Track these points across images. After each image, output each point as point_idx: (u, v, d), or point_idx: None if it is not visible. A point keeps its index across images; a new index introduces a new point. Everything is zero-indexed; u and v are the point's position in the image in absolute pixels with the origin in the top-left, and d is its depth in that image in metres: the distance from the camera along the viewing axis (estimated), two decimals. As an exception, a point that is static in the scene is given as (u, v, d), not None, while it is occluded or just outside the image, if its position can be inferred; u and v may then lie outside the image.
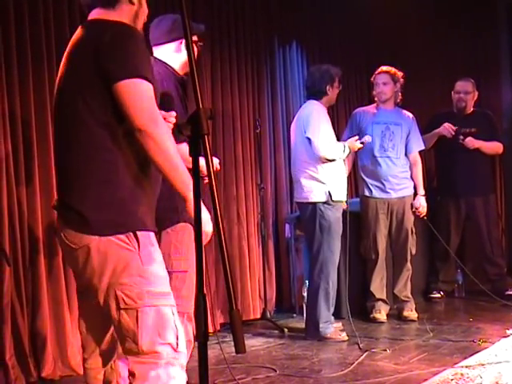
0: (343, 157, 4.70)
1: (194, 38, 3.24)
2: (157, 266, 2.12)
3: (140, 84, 2.04)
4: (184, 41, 3.15)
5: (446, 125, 5.78)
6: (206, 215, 2.26)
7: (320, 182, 4.60)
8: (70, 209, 2.11)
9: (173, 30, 3.21)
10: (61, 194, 2.19)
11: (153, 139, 2.03)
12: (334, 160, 4.61)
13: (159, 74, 3.17)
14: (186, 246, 3.05)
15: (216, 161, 3.29)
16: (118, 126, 2.07)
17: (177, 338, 2.09)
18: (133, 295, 2.06)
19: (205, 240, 2.25)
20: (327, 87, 4.67)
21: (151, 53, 3.29)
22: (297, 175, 4.76)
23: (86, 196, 2.08)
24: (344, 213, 4.73)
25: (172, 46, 3.21)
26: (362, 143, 4.76)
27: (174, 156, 2.08)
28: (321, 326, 4.58)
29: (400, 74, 5.22)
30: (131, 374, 2.09)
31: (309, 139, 4.59)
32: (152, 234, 2.17)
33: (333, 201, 4.58)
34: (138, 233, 2.09)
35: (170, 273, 3.02)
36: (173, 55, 3.21)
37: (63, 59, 2.21)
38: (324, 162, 4.60)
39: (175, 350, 2.09)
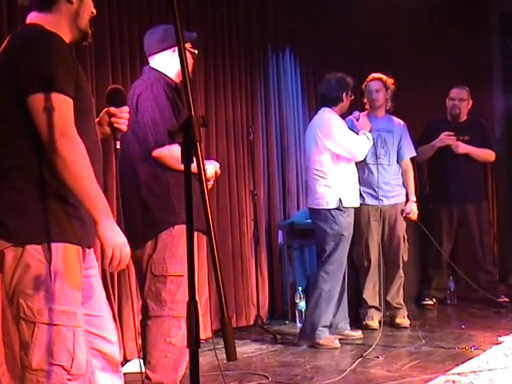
0: (372, 142, 4.81)
1: (188, 45, 3.25)
2: (67, 283, 2.06)
3: (52, 98, 1.98)
4: (176, 48, 3.17)
5: (444, 136, 5.80)
6: (121, 238, 2.12)
7: (331, 188, 4.65)
8: None
9: (164, 40, 3.22)
10: None
11: (60, 156, 1.98)
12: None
13: (149, 79, 3.19)
14: (183, 250, 3.03)
15: (216, 165, 3.28)
16: (38, 138, 2.01)
17: (72, 361, 2.05)
18: (33, 308, 2.02)
19: (122, 265, 2.15)
20: (343, 94, 4.73)
21: (147, 62, 3.31)
22: (309, 182, 4.81)
23: (5, 203, 2.04)
24: None
25: (165, 54, 3.23)
26: (357, 119, 4.89)
27: (82, 175, 2.00)
28: (319, 329, 4.57)
29: (391, 80, 5.25)
30: None
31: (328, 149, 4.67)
32: (74, 248, 2.09)
33: (344, 207, 4.63)
34: (53, 245, 2.03)
35: (164, 277, 3.04)
36: (167, 64, 3.23)
37: None
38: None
39: (68, 372, 2.05)
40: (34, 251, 2.02)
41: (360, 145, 4.73)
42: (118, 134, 2.41)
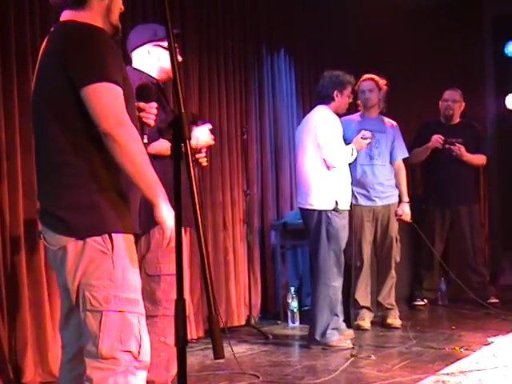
0: (351, 160, 4.71)
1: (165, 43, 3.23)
2: (129, 271, 2.12)
3: (106, 88, 2.05)
4: (151, 44, 3.16)
5: (435, 137, 5.83)
6: (168, 212, 2.17)
7: (328, 189, 4.57)
8: (48, 212, 2.14)
9: (139, 36, 3.21)
10: (40, 198, 2.21)
11: (118, 143, 2.04)
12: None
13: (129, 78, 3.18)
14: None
15: (209, 127, 3.21)
16: (91, 131, 2.08)
17: (139, 347, 2.08)
18: (99, 298, 2.07)
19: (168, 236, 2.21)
20: (335, 92, 4.63)
21: (130, 60, 3.30)
22: (302, 181, 4.69)
23: (62, 199, 2.10)
24: None
25: (141, 52, 3.19)
26: (364, 138, 4.75)
27: (140, 160, 2.07)
28: (328, 332, 4.55)
29: (383, 81, 5.25)
30: (88, 380, 2.08)
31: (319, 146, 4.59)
32: (129, 237, 2.16)
33: (339, 209, 4.58)
34: (114, 235, 2.10)
35: (158, 276, 3.04)
36: (145, 62, 3.19)
37: (37, 66, 2.22)
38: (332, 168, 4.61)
39: (136, 359, 2.08)
40: (96, 243, 2.08)
41: (340, 155, 4.58)
42: (146, 129, 2.48)
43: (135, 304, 2.12)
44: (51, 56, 2.15)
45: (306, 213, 4.69)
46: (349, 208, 4.73)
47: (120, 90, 2.08)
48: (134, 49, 3.21)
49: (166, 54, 3.13)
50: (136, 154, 2.07)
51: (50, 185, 2.14)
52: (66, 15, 2.21)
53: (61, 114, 2.10)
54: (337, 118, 4.68)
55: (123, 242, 2.12)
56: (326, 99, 4.67)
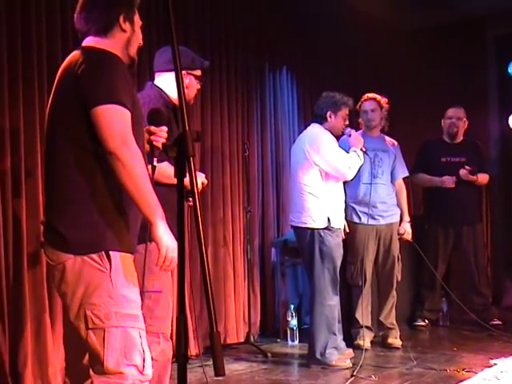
0: (362, 162, 4.70)
1: (197, 72, 3.31)
2: (127, 288, 2.18)
3: (115, 109, 2.13)
4: (184, 72, 3.19)
5: (447, 180, 5.83)
6: (174, 241, 2.22)
7: (320, 207, 4.54)
8: (50, 227, 2.18)
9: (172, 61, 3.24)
10: (45, 213, 2.27)
11: (121, 162, 2.10)
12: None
13: (149, 96, 3.20)
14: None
15: (202, 175, 3.28)
16: (98, 151, 2.14)
17: (143, 361, 2.14)
18: (101, 315, 2.11)
19: (170, 266, 2.26)
20: (328, 113, 4.63)
21: (152, 79, 3.34)
22: (295, 198, 4.68)
23: (63, 215, 2.15)
24: None
25: (171, 75, 3.22)
26: (349, 135, 4.76)
27: (141, 180, 2.13)
28: (327, 351, 4.51)
29: (385, 100, 5.26)
30: None
31: (317, 165, 4.57)
32: (128, 255, 2.21)
33: (332, 227, 4.55)
34: (111, 253, 2.15)
35: (142, 293, 3.02)
36: (171, 84, 3.22)
37: (54, 86, 2.30)
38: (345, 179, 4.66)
39: (141, 373, 2.14)
40: (93, 261, 2.13)
41: (349, 164, 4.59)
42: (156, 152, 2.54)
43: (136, 319, 2.17)
44: (67, 76, 2.23)
45: (298, 231, 4.67)
46: (341, 227, 4.69)
47: (128, 113, 2.16)
48: (167, 70, 3.24)
49: (195, 83, 3.30)
50: (138, 174, 2.13)
51: (54, 199, 2.20)
52: (88, 41, 2.31)
53: (71, 131, 2.17)
54: (328, 133, 4.66)
55: (120, 260, 2.17)
56: (320, 119, 4.70)
